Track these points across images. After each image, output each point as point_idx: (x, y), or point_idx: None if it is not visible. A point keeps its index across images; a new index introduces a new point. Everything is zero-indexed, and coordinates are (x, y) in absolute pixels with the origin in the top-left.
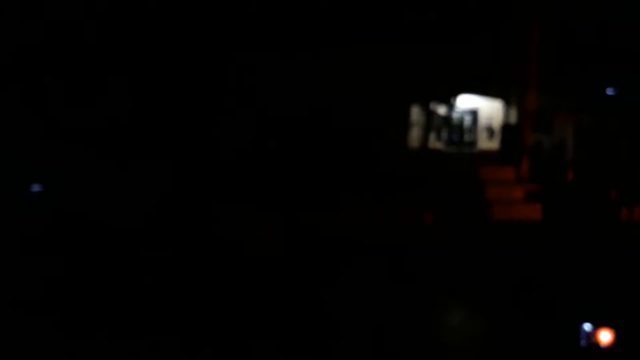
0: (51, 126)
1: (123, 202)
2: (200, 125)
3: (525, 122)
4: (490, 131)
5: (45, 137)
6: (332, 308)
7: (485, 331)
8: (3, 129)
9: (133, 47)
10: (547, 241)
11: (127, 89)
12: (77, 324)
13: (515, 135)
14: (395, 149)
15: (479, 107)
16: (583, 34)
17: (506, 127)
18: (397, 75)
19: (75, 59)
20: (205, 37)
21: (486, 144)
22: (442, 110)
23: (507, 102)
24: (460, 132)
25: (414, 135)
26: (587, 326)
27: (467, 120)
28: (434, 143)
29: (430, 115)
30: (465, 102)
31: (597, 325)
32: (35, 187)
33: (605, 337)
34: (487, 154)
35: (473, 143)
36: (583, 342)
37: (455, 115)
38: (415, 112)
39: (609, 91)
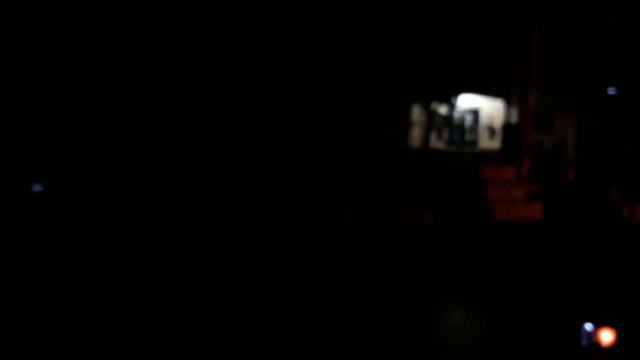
0: (51, 126)
1: (123, 202)
2: (200, 125)
3: (526, 122)
4: (491, 131)
5: (46, 137)
6: (332, 308)
7: (485, 331)
8: (3, 129)
9: (133, 47)
10: (548, 241)
11: (128, 89)
12: (78, 324)
13: (516, 135)
14: (395, 148)
15: (480, 107)
16: (583, 34)
17: (507, 127)
18: (398, 75)
19: (76, 59)
20: (205, 37)
21: (487, 143)
22: (443, 109)
23: (508, 102)
24: (461, 131)
25: (415, 135)
26: (588, 326)
27: (468, 119)
28: (435, 143)
29: (431, 114)
30: (466, 101)
31: (598, 325)
32: (36, 187)
33: (606, 337)
34: (488, 154)
35: (474, 143)
36: (584, 342)
37: (456, 114)
38: (416, 112)
39: (610, 91)
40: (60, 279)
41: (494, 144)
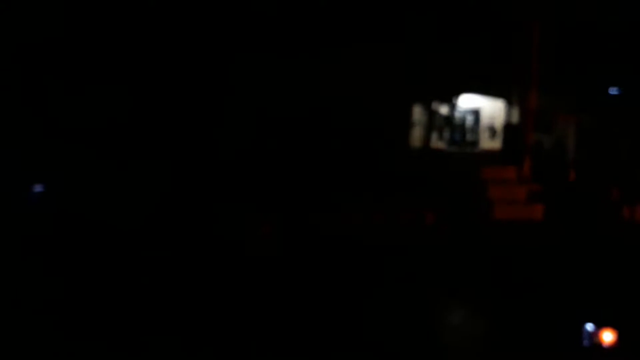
0: (52, 126)
1: (124, 202)
2: (201, 125)
3: (526, 122)
4: (492, 131)
5: (46, 138)
6: (332, 308)
7: (486, 331)
8: (4, 129)
9: (133, 47)
10: (549, 241)
11: (128, 89)
12: (78, 324)
13: (517, 135)
14: (396, 148)
15: (481, 107)
16: (583, 34)
17: (508, 127)
18: (399, 75)
19: (76, 59)
20: (205, 37)
21: (488, 143)
22: (444, 109)
23: (509, 102)
24: (462, 131)
25: (416, 135)
26: (589, 326)
27: (469, 119)
28: (436, 143)
29: (432, 115)
30: (467, 101)
31: (599, 325)
32: (37, 188)
33: (607, 337)
34: (489, 154)
35: (475, 143)
36: (585, 342)
37: (457, 114)
38: (417, 112)
39: (610, 91)
40: (61, 279)
41: (495, 144)
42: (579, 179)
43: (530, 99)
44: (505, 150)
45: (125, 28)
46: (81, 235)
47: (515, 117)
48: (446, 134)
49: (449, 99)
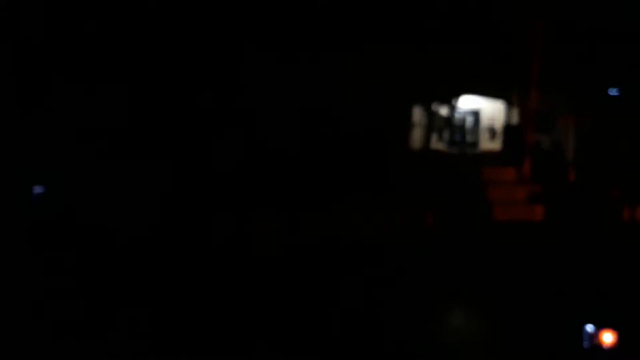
0: (53, 127)
1: (126, 203)
2: (202, 126)
3: (527, 123)
4: (492, 132)
5: (48, 138)
6: (332, 308)
7: (486, 332)
8: (4, 130)
9: (135, 48)
10: (549, 242)
11: (130, 90)
12: (79, 325)
13: (518, 136)
14: (397, 149)
15: (481, 108)
16: (583, 34)
17: (508, 128)
18: (398, 76)
19: (77, 59)
20: (207, 40)
21: (488, 144)
22: (444, 111)
23: (509, 103)
24: (462, 132)
25: (416, 136)
26: (589, 327)
27: (469, 120)
28: (436, 144)
29: (432, 116)
30: (467, 102)
31: (599, 327)
32: (38, 189)
33: (608, 338)
34: (489, 155)
35: (475, 144)
36: (586, 344)
37: (457, 115)
38: (417, 113)
39: (610, 91)
40: (62, 279)
41: (495, 145)
42: (579, 179)
43: (530, 99)
44: (505, 151)
45: (128, 29)
46: (82, 236)
47: (515, 118)
48: (446, 135)
49: (449, 100)
